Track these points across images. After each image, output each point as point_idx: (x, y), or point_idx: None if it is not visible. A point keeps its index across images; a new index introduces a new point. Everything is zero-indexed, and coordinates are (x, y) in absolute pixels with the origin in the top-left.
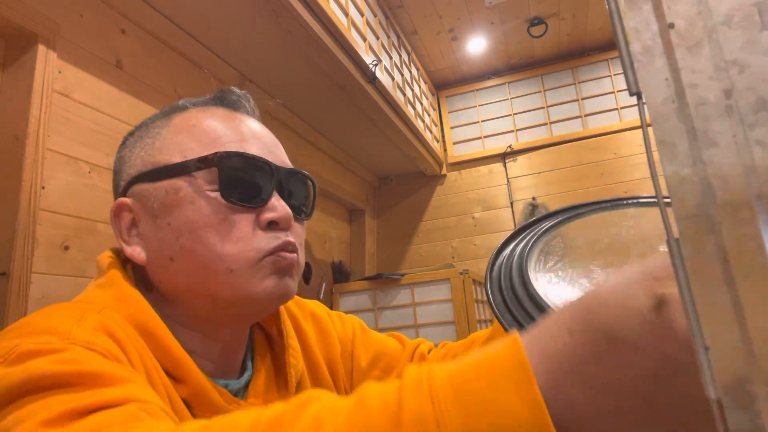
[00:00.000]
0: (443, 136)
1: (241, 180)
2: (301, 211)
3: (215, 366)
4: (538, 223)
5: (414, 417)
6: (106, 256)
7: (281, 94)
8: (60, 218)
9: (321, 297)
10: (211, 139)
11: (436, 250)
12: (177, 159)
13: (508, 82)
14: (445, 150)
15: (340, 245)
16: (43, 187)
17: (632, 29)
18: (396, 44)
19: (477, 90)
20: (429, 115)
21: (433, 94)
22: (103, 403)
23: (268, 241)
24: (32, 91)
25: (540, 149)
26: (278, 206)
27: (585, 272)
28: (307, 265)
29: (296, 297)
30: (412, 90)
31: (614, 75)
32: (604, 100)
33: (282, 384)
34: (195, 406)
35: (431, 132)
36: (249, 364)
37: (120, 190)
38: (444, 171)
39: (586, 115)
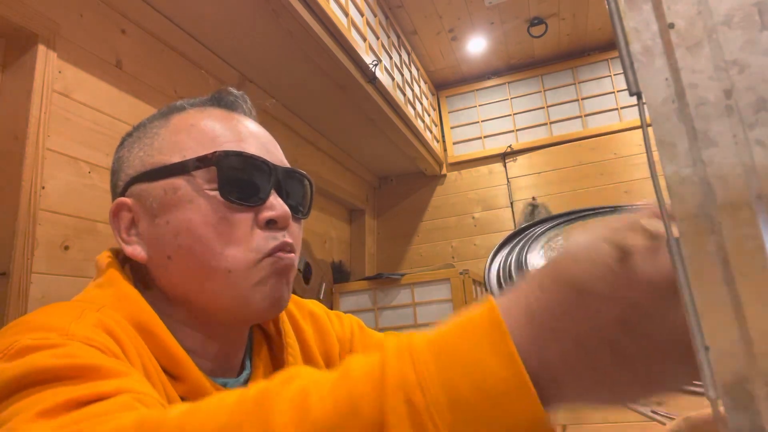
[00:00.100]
0: (443, 136)
1: (239, 179)
2: (298, 211)
3: (214, 365)
4: (538, 224)
5: (397, 382)
6: (104, 257)
7: (281, 94)
8: (60, 218)
9: (321, 297)
10: (209, 139)
11: (436, 250)
12: (176, 159)
13: (508, 82)
14: (445, 150)
15: (340, 245)
16: (43, 187)
17: (632, 29)
18: (396, 44)
19: (477, 90)
20: (429, 115)
21: (433, 94)
22: (99, 395)
23: (266, 241)
24: (32, 91)
25: (540, 149)
26: (277, 205)
27: None
28: (307, 265)
29: (295, 297)
30: (412, 90)
31: (614, 75)
32: (604, 100)
33: None
34: None
35: (431, 132)
36: (248, 363)
37: (119, 191)
38: (444, 171)
39: (586, 115)
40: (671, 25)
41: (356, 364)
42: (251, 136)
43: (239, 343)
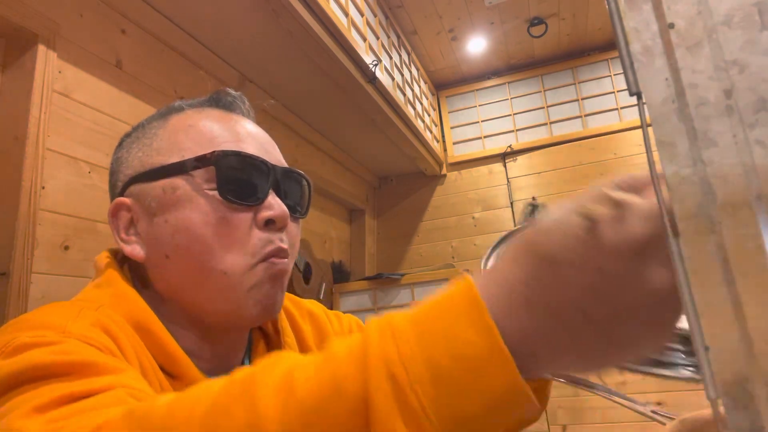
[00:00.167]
0: (443, 136)
1: (238, 179)
2: (296, 210)
3: (211, 365)
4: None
5: (380, 359)
6: (103, 257)
7: (281, 94)
8: (60, 218)
9: (321, 297)
10: (207, 140)
11: (436, 250)
12: (174, 159)
13: (508, 82)
14: (445, 150)
15: (340, 245)
16: (43, 187)
17: (632, 29)
18: (396, 44)
19: (477, 90)
20: (429, 115)
21: (433, 94)
22: (93, 391)
23: (262, 243)
24: (32, 91)
25: (540, 149)
26: (275, 205)
27: None
28: (307, 265)
29: (293, 297)
30: (412, 90)
31: (614, 75)
32: (604, 100)
33: None
34: None
35: (431, 132)
36: (247, 362)
37: (117, 191)
38: (444, 171)
39: (586, 115)
40: (671, 25)
41: (339, 346)
42: (249, 136)
43: (238, 344)
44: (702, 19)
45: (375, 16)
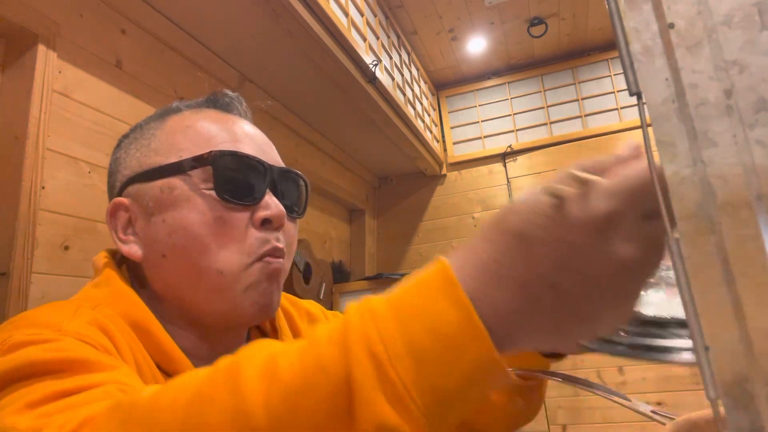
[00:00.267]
0: (443, 136)
1: (235, 178)
2: (293, 210)
3: (210, 364)
4: None
5: (360, 339)
6: (101, 257)
7: (281, 94)
8: (60, 218)
9: (321, 297)
10: (205, 140)
11: (436, 250)
12: (172, 159)
13: (508, 82)
14: (445, 150)
15: (340, 245)
16: (43, 187)
17: (632, 29)
18: (396, 44)
19: (477, 90)
20: (429, 115)
21: (433, 94)
22: (85, 387)
23: (259, 243)
24: (32, 91)
25: (540, 149)
26: (272, 204)
27: None
28: (307, 265)
29: (291, 296)
30: (412, 90)
31: (614, 75)
32: (604, 100)
33: None
34: None
35: (431, 132)
36: None
37: (116, 191)
38: (444, 171)
39: (586, 115)
40: (671, 25)
41: (321, 331)
42: (246, 136)
43: (236, 344)
44: (702, 19)
45: (375, 16)
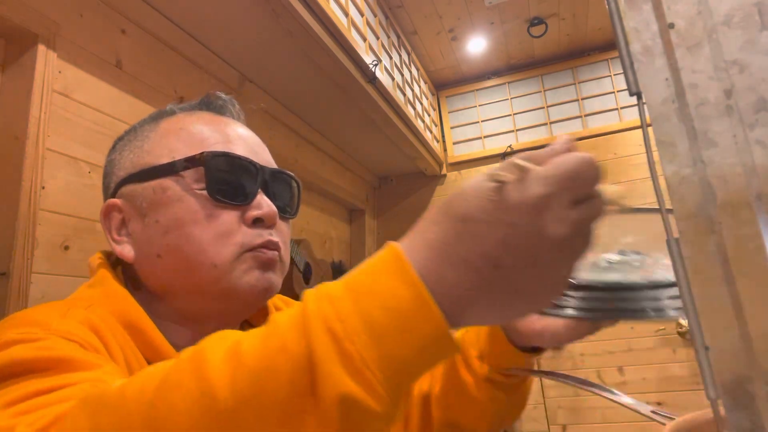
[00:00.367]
0: (443, 136)
1: (227, 179)
2: (286, 210)
3: None
4: None
5: (319, 318)
6: (96, 258)
7: (281, 94)
8: (60, 218)
9: None
10: (197, 141)
11: None
12: (165, 160)
13: (508, 82)
14: (445, 150)
15: (340, 245)
16: (43, 187)
17: (632, 29)
18: (396, 44)
19: (477, 90)
20: (429, 115)
21: (433, 94)
22: (66, 385)
23: (251, 237)
24: (32, 91)
25: (540, 149)
26: (264, 204)
27: None
28: (307, 265)
29: (286, 298)
30: (412, 90)
31: (614, 75)
32: (604, 100)
33: None
34: None
35: (431, 132)
36: None
37: (110, 192)
38: (444, 171)
39: (586, 115)
40: (671, 25)
41: (281, 316)
42: (239, 138)
43: None
44: (702, 19)
45: (375, 16)
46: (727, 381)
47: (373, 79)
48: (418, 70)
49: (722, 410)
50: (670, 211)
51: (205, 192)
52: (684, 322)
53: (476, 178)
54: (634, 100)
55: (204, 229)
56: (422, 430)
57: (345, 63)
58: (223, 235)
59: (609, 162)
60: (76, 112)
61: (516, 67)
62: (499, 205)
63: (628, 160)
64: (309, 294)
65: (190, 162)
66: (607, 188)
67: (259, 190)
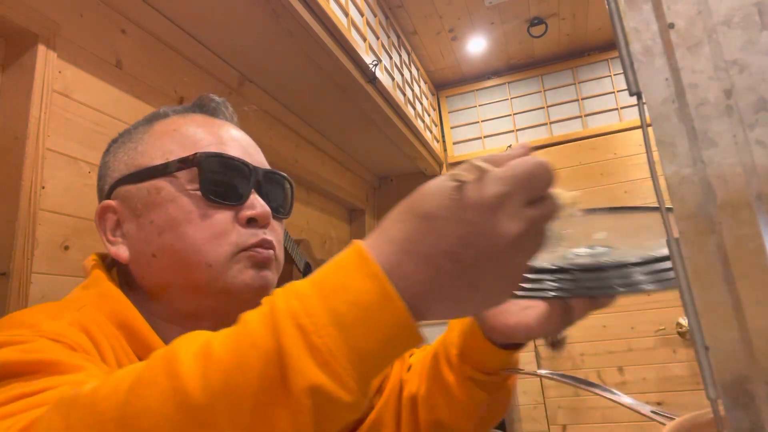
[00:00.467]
0: (443, 136)
1: (220, 179)
2: (279, 211)
3: None
4: None
5: (287, 315)
6: (90, 260)
7: (281, 94)
8: (60, 218)
9: None
10: (191, 142)
11: None
12: (159, 161)
13: (508, 82)
14: (445, 150)
15: (340, 245)
16: (43, 187)
17: (632, 29)
18: (396, 44)
19: (477, 90)
20: (429, 115)
21: (433, 94)
22: (49, 389)
23: (246, 237)
24: (32, 91)
25: (540, 149)
26: (257, 204)
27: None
28: (307, 265)
29: None
30: (412, 90)
31: (614, 75)
32: (604, 100)
33: None
34: None
35: (431, 132)
36: None
37: (104, 194)
38: (444, 171)
39: (586, 115)
40: (671, 25)
41: (250, 315)
42: (232, 139)
43: None
44: (702, 19)
45: (375, 16)
46: (727, 381)
47: (373, 79)
48: (418, 70)
49: (722, 410)
50: (670, 210)
51: (199, 192)
52: (684, 321)
53: (439, 178)
54: (634, 100)
55: (198, 228)
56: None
57: (345, 63)
58: (217, 234)
59: (609, 162)
60: (76, 112)
61: (516, 67)
62: (459, 203)
63: (628, 160)
64: (277, 292)
65: (184, 163)
66: (562, 192)
67: (253, 190)
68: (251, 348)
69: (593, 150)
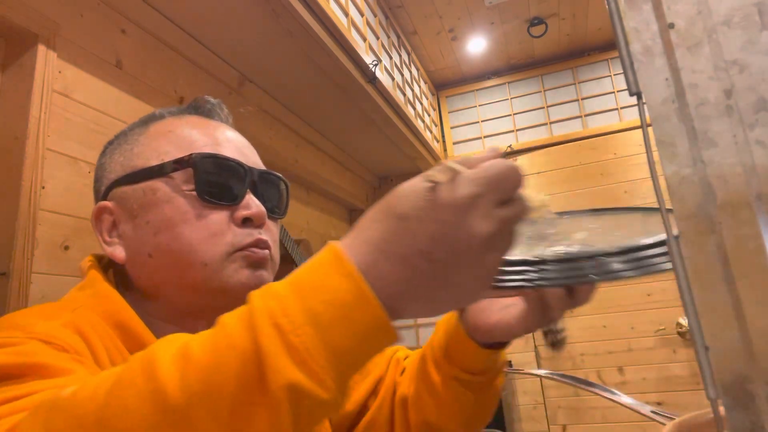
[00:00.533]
0: (443, 136)
1: (216, 180)
2: (274, 211)
3: None
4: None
5: (265, 314)
6: (86, 261)
7: (281, 94)
8: (60, 218)
9: None
10: (186, 144)
11: None
12: (154, 162)
13: (508, 82)
14: (445, 150)
15: None
16: (43, 187)
17: (632, 29)
18: (396, 44)
19: (477, 90)
20: (429, 115)
21: (433, 94)
22: (36, 392)
23: (241, 237)
24: (32, 91)
25: (540, 149)
26: (252, 204)
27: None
28: None
29: None
30: (412, 90)
31: (614, 75)
32: (604, 100)
33: None
34: None
35: (431, 132)
36: None
37: (100, 195)
38: None
39: (586, 115)
40: (671, 25)
41: (228, 317)
42: (227, 140)
43: None
44: (702, 19)
45: (375, 16)
46: (727, 381)
47: (373, 79)
48: (418, 70)
49: (722, 410)
50: (670, 210)
51: (194, 193)
52: (684, 321)
53: (413, 179)
54: (634, 100)
55: (194, 228)
56: None
57: (345, 63)
58: (213, 234)
59: (609, 162)
60: (76, 112)
61: (516, 67)
62: (433, 203)
63: (628, 160)
64: (255, 293)
65: (179, 164)
66: (532, 194)
67: (248, 190)
68: (229, 348)
69: (593, 150)
